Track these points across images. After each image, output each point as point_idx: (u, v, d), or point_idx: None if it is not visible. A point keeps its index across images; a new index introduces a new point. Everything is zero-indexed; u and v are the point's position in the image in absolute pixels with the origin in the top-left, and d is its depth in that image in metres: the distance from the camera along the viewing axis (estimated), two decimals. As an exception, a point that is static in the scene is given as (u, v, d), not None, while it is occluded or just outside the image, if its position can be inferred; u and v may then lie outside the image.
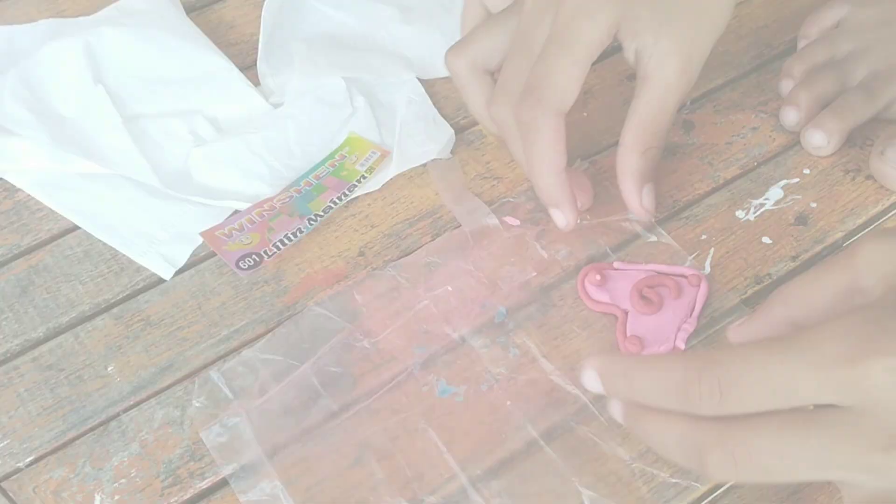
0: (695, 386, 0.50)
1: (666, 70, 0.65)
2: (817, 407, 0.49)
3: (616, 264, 0.74)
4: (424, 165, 0.82)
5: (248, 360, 0.69)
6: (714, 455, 0.49)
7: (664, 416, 0.53)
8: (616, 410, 0.56)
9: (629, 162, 0.68)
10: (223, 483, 0.64)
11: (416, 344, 0.71)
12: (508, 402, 0.68)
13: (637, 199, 0.70)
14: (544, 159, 0.67)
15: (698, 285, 0.73)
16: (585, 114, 0.84)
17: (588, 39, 0.64)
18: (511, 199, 0.80)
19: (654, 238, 0.77)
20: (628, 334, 0.70)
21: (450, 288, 0.74)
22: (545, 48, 0.65)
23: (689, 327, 0.71)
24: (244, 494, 0.63)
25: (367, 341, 0.71)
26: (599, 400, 0.67)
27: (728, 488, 0.64)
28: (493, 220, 0.77)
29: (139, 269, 0.76)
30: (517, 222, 0.77)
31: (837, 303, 0.55)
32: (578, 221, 0.75)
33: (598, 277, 0.73)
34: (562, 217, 0.70)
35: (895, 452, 0.46)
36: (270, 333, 0.71)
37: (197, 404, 0.67)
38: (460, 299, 0.73)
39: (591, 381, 0.56)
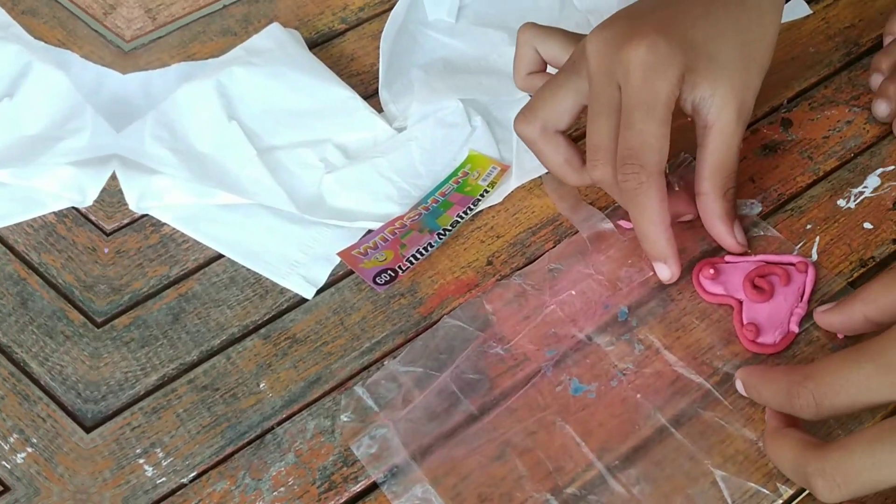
0: (796, 399, 0.57)
1: (726, 117, 0.67)
2: None
3: (727, 258, 0.76)
4: (541, 177, 0.83)
5: (390, 373, 0.71)
6: (818, 483, 0.53)
7: (781, 440, 0.59)
8: (739, 385, 0.65)
9: (715, 207, 0.70)
10: (375, 486, 0.66)
11: (546, 346, 0.72)
12: (638, 395, 0.69)
13: (732, 239, 0.72)
14: (653, 220, 0.68)
15: (806, 271, 0.74)
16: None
17: (665, 98, 0.65)
18: None
19: (761, 232, 0.78)
20: (745, 322, 0.72)
21: (573, 292, 0.75)
22: (630, 114, 0.65)
23: (801, 311, 0.72)
24: (398, 499, 0.65)
25: (500, 347, 0.72)
26: (722, 385, 0.69)
27: None
28: (608, 225, 0.79)
29: (282, 290, 0.78)
30: (631, 225, 0.78)
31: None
32: (691, 219, 0.77)
33: (711, 271, 0.74)
34: (667, 271, 0.71)
35: None
36: (409, 346, 0.72)
37: (345, 418, 0.69)
38: (584, 301, 0.75)
39: (740, 388, 0.65)
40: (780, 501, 0.63)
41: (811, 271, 0.74)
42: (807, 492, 0.63)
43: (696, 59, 0.66)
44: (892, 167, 0.83)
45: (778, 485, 0.64)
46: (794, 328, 0.71)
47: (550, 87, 0.72)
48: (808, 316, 0.72)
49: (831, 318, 0.67)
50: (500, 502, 0.65)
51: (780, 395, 0.58)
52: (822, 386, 0.55)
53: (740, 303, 0.73)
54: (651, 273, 0.76)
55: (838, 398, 0.54)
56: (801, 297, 0.73)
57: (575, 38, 0.74)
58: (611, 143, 0.67)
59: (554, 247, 0.79)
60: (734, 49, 0.68)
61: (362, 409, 0.70)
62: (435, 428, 0.68)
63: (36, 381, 0.73)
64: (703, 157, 0.70)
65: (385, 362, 0.72)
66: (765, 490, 0.64)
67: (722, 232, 0.72)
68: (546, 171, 0.81)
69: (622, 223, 0.79)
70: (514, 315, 0.74)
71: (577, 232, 0.79)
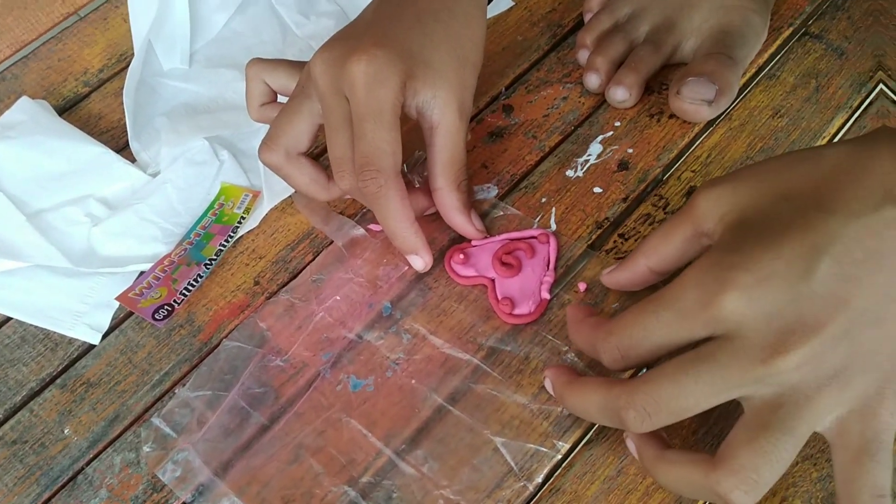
0: (604, 354, 0.61)
1: (449, 117, 0.70)
2: (698, 344, 0.56)
3: (474, 241, 0.80)
4: (291, 196, 0.87)
5: (183, 400, 0.74)
6: (629, 414, 0.57)
7: (583, 388, 0.62)
8: (547, 384, 0.67)
9: (450, 200, 0.73)
10: (183, 475, 0.70)
11: (321, 351, 0.76)
12: (413, 381, 0.73)
13: (471, 227, 0.76)
14: (398, 218, 0.70)
15: (548, 242, 0.79)
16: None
17: (390, 105, 0.67)
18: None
19: (500, 212, 0.82)
20: (500, 298, 0.76)
21: (338, 297, 0.79)
22: (361, 124, 0.67)
23: (550, 279, 0.77)
24: None
25: (279, 359, 0.75)
26: (489, 358, 0.74)
27: None
28: (360, 231, 0.82)
29: (71, 340, 0.80)
30: (380, 227, 0.82)
31: (687, 249, 0.63)
32: (426, 213, 0.81)
33: (461, 256, 0.79)
34: (420, 261, 0.75)
35: (770, 361, 0.53)
36: (195, 372, 0.75)
37: (147, 449, 0.72)
38: (349, 304, 0.78)
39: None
40: (559, 456, 0.69)
41: (553, 241, 0.79)
42: (583, 442, 0.69)
43: (414, 66, 0.68)
44: (611, 133, 0.87)
45: (554, 441, 0.69)
46: (546, 295, 0.76)
47: (285, 113, 0.74)
48: (557, 282, 0.78)
49: (618, 277, 0.69)
50: (302, 501, 0.68)
51: (586, 344, 0.62)
52: (625, 339, 0.57)
53: (492, 281, 0.78)
54: (406, 267, 0.80)
55: (642, 347, 0.57)
56: (548, 266, 0.78)
57: (299, 66, 0.76)
58: (351, 153, 0.69)
59: (313, 259, 0.82)
60: (448, 53, 0.70)
61: (162, 437, 0.72)
62: (231, 443, 0.71)
63: None
64: (433, 156, 0.72)
65: (176, 391, 0.75)
66: (543, 448, 0.69)
67: (460, 222, 0.75)
68: (286, 196, 0.86)
69: (372, 227, 0.83)
70: (287, 327, 0.78)
71: (332, 242, 0.83)
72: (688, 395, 0.55)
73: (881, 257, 0.52)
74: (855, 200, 0.52)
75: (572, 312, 0.67)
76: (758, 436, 0.54)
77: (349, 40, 0.70)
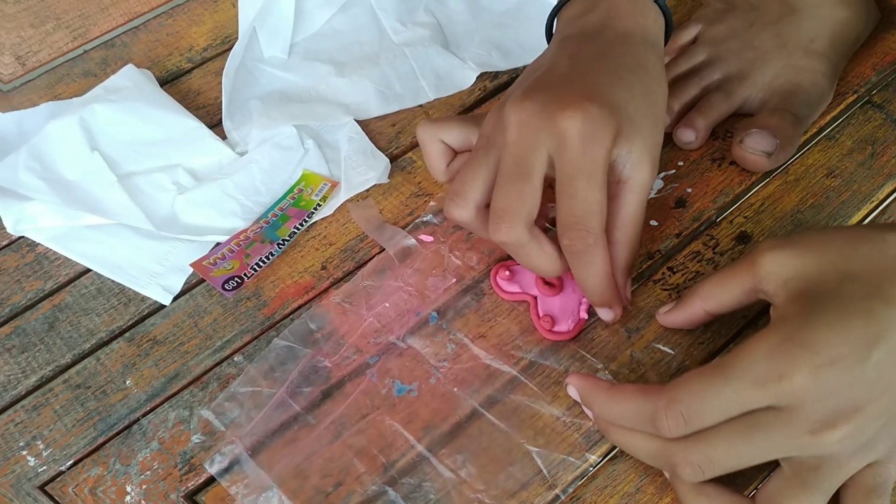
0: (664, 422, 0.58)
1: (641, 174, 0.66)
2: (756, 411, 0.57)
3: None
4: (368, 191, 0.88)
5: (232, 395, 0.74)
6: (684, 469, 0.58)
7: (633, 434, 0.62)
8: (572, 392, 0.68)
9: (622, 258, 0.69)
10: (230, 466, 0.71)
11: (368, 355, 0.76)
12: (455, 389, 0.74)
13: (625, 292, 0.72)
14: (601, 276, 0.67)
15: None
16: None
17: (603, 164, 0.63)
18: (423, 220, 0.85)
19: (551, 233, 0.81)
20: (541, 315, 0.77)
21: (387, 304, 0.79)
22: (572, 183, 0.63)
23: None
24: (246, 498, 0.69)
25: (327, 360, 0.76)
26: (527, 371, 0.74)
27: None
28: (411, 241, 0.82)
29: (143, 298, 0.82)
30: (431, 238, 0.83)
31: (743, 300, 0.65)
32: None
33: (507, 273, 0.79)
34: (611, 314, 0.71)
35: (819, 434, 0.55)
36: (245, 369, 0.76)
37: (196, 440, 0.72)
38: (397, 312, 0.79)
39: (573, 393, 0.68)
40: (586, 465, 0.70)
41: None
42: (609, 456, 0.70)
43: (621, 120, 0.64)
44: (674, 171, 0.87)
45: (584, 453, 0.70)
46: (584, 315, 0.76)
47: (471, 167, 0.68)
48: None
49: (674, 318, 0.70)
50: (340, 495, 0.69)
51: (643, 417, 0.59)
52: (692, 407, 0.56)
53: (535, 298, 0.78)
54: (454, 280, 0.80)
55: (710, 416, 0.56)
56: None
57: (473, 121, 0.72)
58: (520, 205, 0.65)
59: (381, 252, 0.83)
60: (647, 109, 0.67)
61: (211, 429, 0.73)
62: (277, 438, 0.72)
63: (-71, 387, 0.75)
64: (619, 209, 0.67)
65: (236, 360, 0.77)
66: (571, 459, 0.70)
67: (620, 285, 0.70)
68: (366, 189, 0.87)
69: (423, 237, 0.83)
70: (337, 330, 0.78)
71: (383, 249, 0.84)
72: (740, 455, 0.57)
73: None
74: None
75: (585, 383, 0.67)
76: (799, 493, 0.57)
77: (555, 91, 0.65)
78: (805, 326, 0.56)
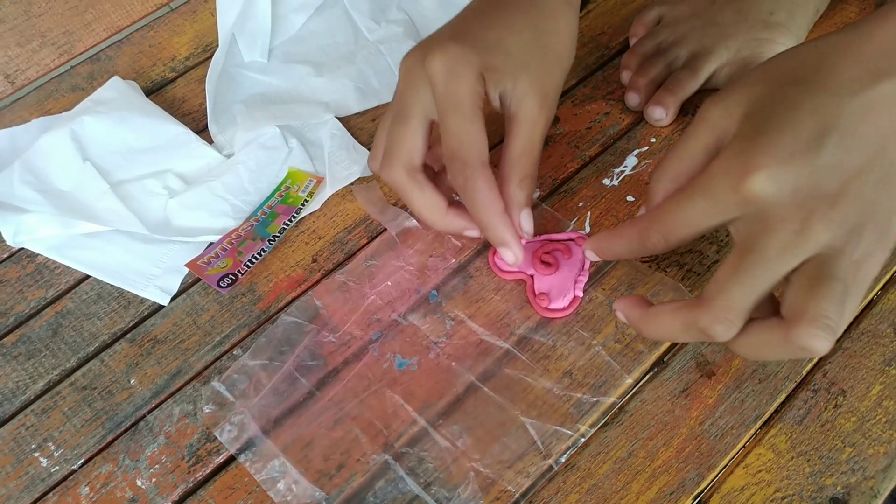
0: (648, 241, 0.60)
1: (526, 107, 0.66)
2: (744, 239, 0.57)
3: None
4: (352, 185, 0.88)
5: (241, 367, 0.75)
6: (718, 329, 0.56)
7: (660, 317, 0.61)
8: (620, 316, 0.66)
9: (513, 193, 0.68)
10: (239, 435, 0.71)
11: (370, 330, 0.77)
12: (453, 363, 0.75)
13: (514, 227, 0.69)
14: (487, 209, 0.66)
15: (583, 244, 0.78)
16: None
17: (468, 97, 0.64)
18: None
19: (540, 213, 0.83)
20: (537, 293, 0.77)
21: (389, 283, 0.80)
22: (443, 119, 0.65)
23: (584, 278, 0.78)
24: (259, 474, 0.70)
25: (331, 335, 0.77)
26: (520, 344, 0.75)
27: (631, 396, 0.73)
28: (412, 223, 0.82)
29: (142, 300, 0.82)
30: None
31: (707, 161, 0.61)
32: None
33: None
34: (510, 254, 0.70)
35: (805, 231, 0.54)
36: (254, 343, 0.77)
37: (206, 410, 0.73)
38: (399, 289, 0.79)
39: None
40: (577, 435, 0.71)
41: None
42: (601, 424, 0.71)
43: (492, 56, 0.65)
44: (647, 147, 0.88)
45: (575, 424, 0.71)
46: (579, 293, 0.77)
47: (389, 126, 0.71)
48: (589, 281, 0.79)
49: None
50: (342, 461, 0.70)
51: (633, 241, 0.61)
52: (666, 225, 0.58)
53: (531, 277, 0.79)
54: (453, 259, 0.81)
55: (683, 231, 0.57)
56: (582, 266, 0.79)
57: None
58: (408, 144, 0.68)
59: (368, 243, 0.84)
60: (529, 43, 0.67)
61: (221, 399, 0.74)
62: (283, 408, 0.73)
63: (-60, 398, 0.76)
64: (506, 145, 0.68)
65: (235, 353, 0.77)
66: (564, 430, 0.71)
67: (514, 219, 0.69)
68: (347, 184, 0.88)
69: None
70: (341, 307, 0.79)
71: (385, 230, 0.84)
72: (754, 285, 0.54)
73: (877, 128, 0.53)
74: (852, 80, 0.54)
75: (595, 241, 0.67)
76: (824, 293, 0.55)
77: (431, 38, 0.68)
78: (755, 136, 0.56)
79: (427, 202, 0.70)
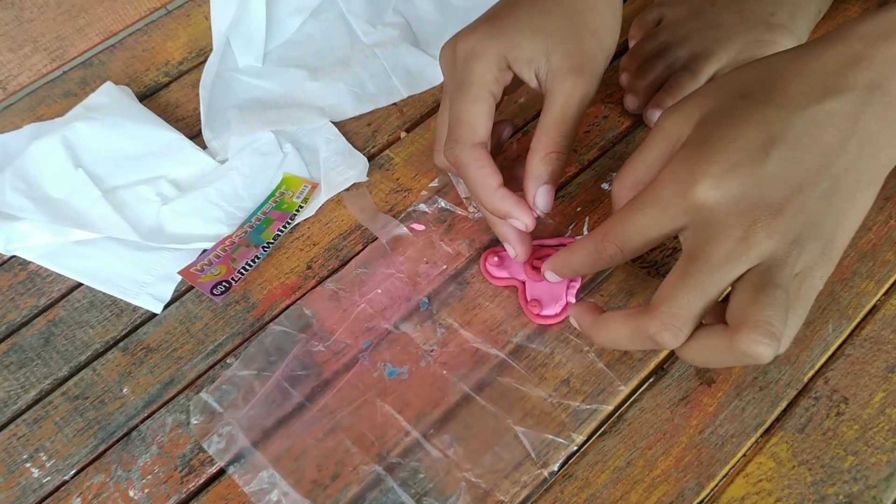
0: (604, 252, 0.61)
1: (559, 82, 0.66)
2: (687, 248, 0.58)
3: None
4: (347, 190, 0.88)
5: (230, 378, 0.75)
6: (665, 336, 0.57)
7: (609, 323, 0.62)
8: (573, 321, 0.67)
9: (530, 165, 0.67)
10: (227, 447, 0.71)
11: (361, 340, 0.77)
12: (444, 372, 0.74)
13: (530, 198, 0.68)
14: (480, 184, 0.67)
15: None
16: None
17: (477, 78, 0.66)
18: (414, 208, 0.85)
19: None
20: (529, 299, 0.77)
21: (379, 290, 0.80)
22: (452, 97, 0.67)
23: (576, 284, 0.78)
24: (248, 486, 0.70)
25: (321, 345, 0.77)
26: (514, 353, 0.75)
27: (630, 404, 0.72)
28: (403, 230, 0.82)
29: (135, 308, 0.82)
30: (422, 227, 0.83)
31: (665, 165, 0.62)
32: (475, 214, 0.82)
33: (495, 259, 0.79)
34: (520, 223, 0.69)
35: (749, 239, 0.55)
36: (243, 352, 0.77)
37: (195, 421, 0.73)
38: (389, 298, 0.79)
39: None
40: (574, 447, 0.70)
41: None
42: (598, 433, 0.71)
43: (521, 39, 0.65)
44: None
45: (570, 433, 0.71)
46: (572, 299, 0.77)
47: (441, 114, 0.74)
48: (583, 288, 0.79)
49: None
50: (333, 472, 0.70)
51: (590, 254, 0.62)
52: (620, 236, 0.59)
53: (523, 283, 0.79)
54: (444, 266, 0.81)
55: (637, 240, 0.58)
56: None
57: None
58: (441, 129, 0.73)
59: (363, 248, 0.84)
60: (561, 22, 0.67)
61: (209, 411, 0.74)
62: (272, 419, 0.73)
63: (-70, 408, 0.76)
64: (540, 120, 0.67)
65: (229, 362, 0.77)
66: (559, 439, 0.70)
67: (525, 189, 0.69)
68: (343, 189, 0.88)
69: (414, 226, 0.83)
70: (331, 316, 0.79)
71: (377, 239, 0.84)
72: (700, 292, 0.55)
73: (823, 143, 0.54)
74: (800, 96, 0.55)
75: (552, 261, 0.69)
76: (764, 301, 0.55)
77: (466, 26, 0.69)
78: (702, 145, 0.58)
79: (479, 178, 0.68)
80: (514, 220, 0.69)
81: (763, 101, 0.58)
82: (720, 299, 0.58)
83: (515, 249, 0.72)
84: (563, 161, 0.68)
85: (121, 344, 0.80)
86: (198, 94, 0.93)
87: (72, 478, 0.72)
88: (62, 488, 0.71)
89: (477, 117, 0.66)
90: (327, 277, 0.82)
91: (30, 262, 0.85)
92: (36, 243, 0.85)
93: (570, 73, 0.66)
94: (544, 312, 0.76)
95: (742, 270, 0.56)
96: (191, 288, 0.83)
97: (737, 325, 0.54)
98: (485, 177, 0.67)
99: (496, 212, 0.69)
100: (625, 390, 0.72)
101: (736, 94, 0.60)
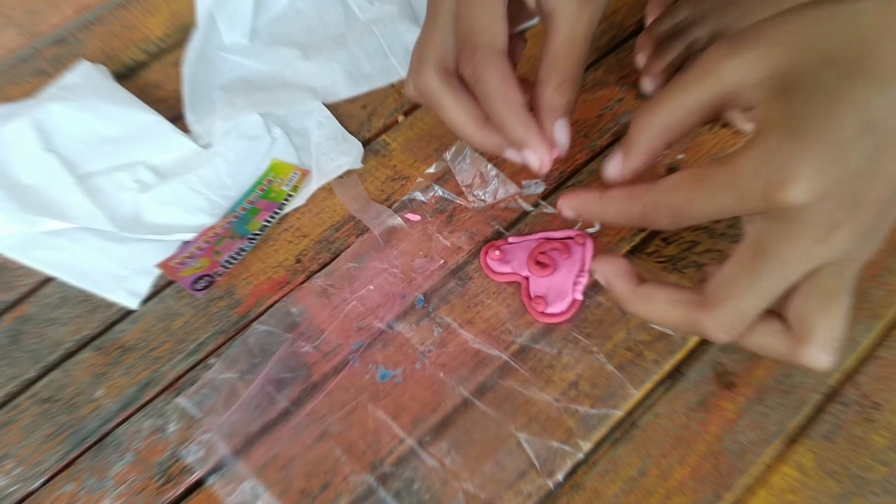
0: (651, 219, 0.55)
1: (563, 5, 0.61)
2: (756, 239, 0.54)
3: (510, 238, 0.78)
4: (341, 177, 0.86)
5: (209, 382, 0.73)
6: (718, 334, 0.55)
7: (653, 300, 0.58)
8: (599, 278, 0.62)
9: (543, 96, 0.63)
10: (206, 457, 0.69)
11: (352, 340, 0.75)
12: (441, 374, 0.72)
13: (547, 137, 0.64)
14: (498, 100, 0.62)
15: (584, 243, 0.76)
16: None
17: None
18: (410, 197, 0.83)
19: (543, 210, 0.81)
20: (532, 296, 0.75)
21: (371, 287, 0.78)
22: (459, 8, 0.62)
23: (584, 280, 0.75)
24: (230, 497, 0.67)
25: (308, 346, 0.74)
26: (518, 355, 0.72)
27: (644, 409, 0.70)
28: (397, 221, 0.80)
29: (110, 304, 0.79)
30: (418, 217, 0.81)
31: (706, 116, 0.56)
32: (476, 204, 0.79)
33: (497, 253, 0.77)
34: (534, 156, 0.64)
35: (828, 239, 0.52)
36: (223, 355, 0.75)
37: (172, 427, 0.71)
38: (382, 294, 0.77)
39: (567, 211, 0.61)
40: (581, 455, 0.68)
41: (589, 243, 0.76)
42: (609, 441, 0.68)
43: None
44: None
45: (577, 440, 0.68)
46: (578, 297, 0.75)
47: (426, 30, 0.67)
48: (591, 284, 0.76)
49: (631, 162, 0.60)
50: (322, 484, 0.68)
51: (631, 216, 0.56)
52: (680, 210, 0.54)
53: (526, 279, 0.76)
54: (442, 261, 0.79)
55: (693, 220, 0.54)
56: (582, 267, 0.76)
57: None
58: (426, 48, 0.66)
59: (357, 240, 0.81)
60: None
61: (187, 417, 0.72)
62: (256, 425, 0.71)
63: None
64: (544, 47, 0.63)
65: (211, 362, 0.75)
66: (566, 447, 0.68)
67: (542, 122, 0.64)
68: (335, 177, 0.85)
69: (409, 216, 0.82)
70: (319, 314, 0.76)
71: (368, 231, 0.82)
72: (767, 293, 0.53)
73: None
74: (894, 66, 0.51)
75: (574, 195, 0.61)
76: (829, 304, 0.54)
77: None
78: (793, 133, 0.52)
79: (462, 111, 0.65)
80: (531, 152, 0.63)
81: (854, 73, 0.52)
82: None
83: (539, 154, 0.64)
84: (577, 91, 0.64)
85: (94, 343, 0.77)
86: (180, 74, 0.91)
87: (40, 487, 0.70)
88: (29, 498, 0.69)
89: (496, 21, 0.61)
90: (318, 272, 0.79)
91: (-3, 254, 0.81)
92: (4, 234, 0.83)
93: None
94: (549, 310, 0.74)
95: (813, 268, 0.53)
96: (171, 282, 0.80)
97: (803, 336, 0.53)
98: (510, 91, 0.62)
99: (515, 136, 0.63)
100: (637, 394, 0.70)
101: (819, 57, 0.54)
